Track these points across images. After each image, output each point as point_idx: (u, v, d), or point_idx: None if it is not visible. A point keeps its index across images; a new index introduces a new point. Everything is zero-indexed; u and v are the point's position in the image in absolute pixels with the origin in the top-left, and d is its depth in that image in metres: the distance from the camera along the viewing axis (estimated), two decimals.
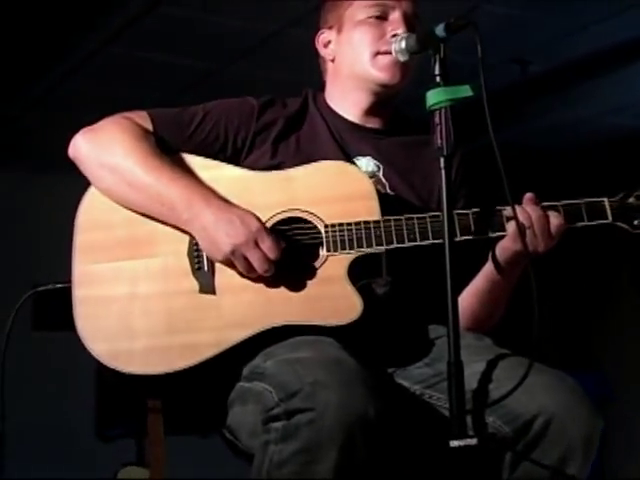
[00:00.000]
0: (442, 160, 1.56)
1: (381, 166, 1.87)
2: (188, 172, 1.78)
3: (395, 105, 1.94)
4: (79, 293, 1.74)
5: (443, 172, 1.56)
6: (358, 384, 1.50)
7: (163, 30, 4.22)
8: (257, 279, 1.70)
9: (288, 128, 1.87)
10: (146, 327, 1.70)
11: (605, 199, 1.71)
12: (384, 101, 1.91)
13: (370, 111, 1.91)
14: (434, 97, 1.55)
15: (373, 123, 1.92)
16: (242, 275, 1.71)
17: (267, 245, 1.67)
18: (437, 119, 1.55)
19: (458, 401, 1.47)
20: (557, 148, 5.74)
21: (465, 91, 1.54)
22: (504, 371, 1.63)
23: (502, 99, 4.55)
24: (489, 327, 1.83)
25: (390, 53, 1.81)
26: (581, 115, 5.15)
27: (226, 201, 1.73)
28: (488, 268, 1.79)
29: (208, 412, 1.80)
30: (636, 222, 1.69)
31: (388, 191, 1.85)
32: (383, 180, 1.86)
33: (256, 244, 1.67)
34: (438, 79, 1.57)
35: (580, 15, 3.95)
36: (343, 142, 1.88)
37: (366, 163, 1.86)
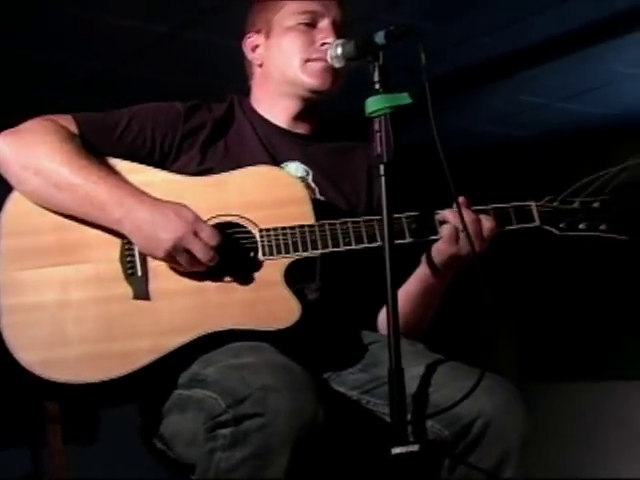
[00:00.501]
0: (382, 167, 1.57)
1: (310, 171, 1.88)
2: (117, 173, 1.75)
3: (323, 111, 1.95)
4: (5, 302, 1.69)
5: (383, 179, 1.57)
6: (307, 388, 1.51)
7: (53, 29, 4.13)
8: (196, 279, 1.68)
9: (215, 133, 1.86)
10: (80, 334, 1.66)
11: (532, 203, 1.76)
12: (313, 107, 1.92)
13: (299, 117, 1.92)
14: (374, 104, 1.57)
15: (301, 129, 1.93)
16: (180, 274, 1.69)
17: (206, 233, 1.66)
18: (377, 126, 1.57)
19: (399, 407, 1.49)
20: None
21: (404, 99, 1.57)
22: (442, 375, 1.67)
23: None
24: (419, 332, 1.86)
25: (320, 60, 1.83)
26: (460, 124, 5.36)
27: (157, 198, 1.70)
28: (421, 271, 1.81)
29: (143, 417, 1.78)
30: (562, 225, 1.73)
31: (318, 196, 1.86)
32: (312, 185, 1.86)
33: (195, 234, 1.65)
34: (377, 86, 1.58)
35: (470, 26, 4.11)
36: (271, 147, 1.88)
37: (295, 168, 1.87)
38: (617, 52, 4.67)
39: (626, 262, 5.57)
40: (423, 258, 1.80)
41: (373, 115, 1.58)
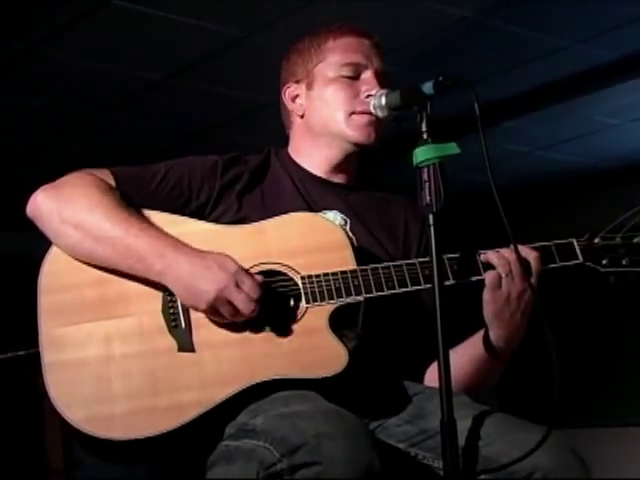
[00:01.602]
0: (431, 217, 1.57)
1: (348, 220, 1.88)
2: (156, 226, 1.75)
3: (361, 160, 1.97)
4: (48, 359, 1.67)
5: (432, 229, 1.57)
6: (362, 435, 1.50)
7: (38, 75, 4.16)
8: (239, 329, 1.68)
9: (252, 182, 1.87)
10: (126, 389, 1.65)
11: (574, 240, 1.76)
12: (353, 158, 1.93)
13: (338, 167, 1.93)
14: (422, 154, 1.59)
15: (340, 178, 1.94)
16: (223, 325, 1.69)
17: (248, 285, 1.65)
18: (426, 176, 1.58)
19: (453, 462, 1.47)
20: None
21: (452, 149, 1.59)
22: (491, 427, 1.65)
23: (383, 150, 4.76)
24: (482, 389, 1.84)
25: (366, 113, 1.85)
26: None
27: (198, 249, 1.70)
28: (480, 332, 1.78)
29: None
30: (604, 262, 1.73)
31: (357, 245, 1.85)
32: (350, 234, 1.84)
33: (237, 286, 1.65)
34: (425, 136, 1.60)
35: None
36: (308, 196, 1.90)
37: (333, 217, 1.87)
38: (599, 103, 4.82)
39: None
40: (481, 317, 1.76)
41: (422, 165, 1.60)
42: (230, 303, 1.65)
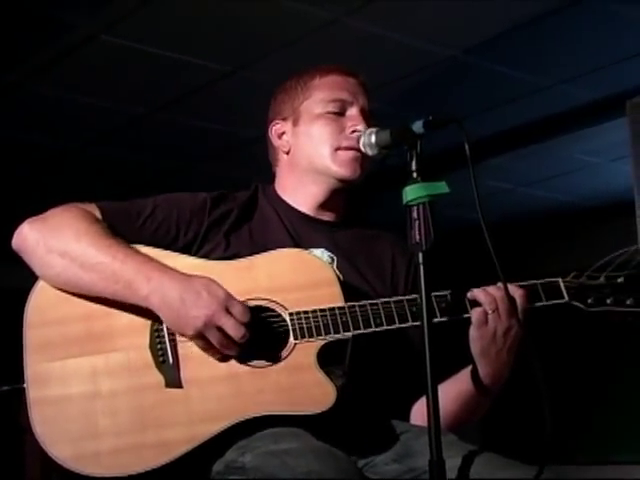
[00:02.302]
0: (420, 255, 1.58)
1: (335, 258, 1.88)
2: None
3: (349, 197, 1.98)
4: (34, 395, 1.67)
5: (421, 267, 1.57)
6: (352, 473, 1.51)
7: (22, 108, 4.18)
8: (227, 365, 1.68)
9: (240, 219, 1.88)
10: (112, 426, 1.64)
11: (559, 279, 1.76)
12: (339, 194, 1.94)
13: (325, 204, 1.94)
14: (413, 193, 1.60)
15: (327, 215, 1.95)
16: (211, 361, 1.68)
17: (238, 310, 1.66)
18: (415, 214, 1.59)
19: None
20: None
21: (442, 188, 1.60)
22: (480, 467, 1.64)
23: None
24: (467, 425, 1.84)
25: (351, 149, 1.87)
26: None
27: (185, 273, 1.70)
28: (467, 369, 1.78)
29: None
30: (590, 301, 1.74)
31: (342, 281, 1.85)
32: (337, 272, 1.84)
33: (227, 311, 1.65)
34: (415, 175, 1.61)
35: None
36: (296, 234, 1.90)
37: (320, 254, 1.86)
38: (580, 142, 4.90)
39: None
40: (469, 354, 1.77)
41: (411, 203, 1.61)
42: (219, 329, 1.65)
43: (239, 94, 4.15)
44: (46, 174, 5.03)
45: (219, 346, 1.67)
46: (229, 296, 1.67)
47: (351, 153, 1.88)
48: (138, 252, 1.73)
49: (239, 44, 3.76)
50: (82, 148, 4.74)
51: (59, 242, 1.72)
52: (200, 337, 1.67)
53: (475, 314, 1.73)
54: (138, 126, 4.50)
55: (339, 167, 1.89)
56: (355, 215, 2.00)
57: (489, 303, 1.72)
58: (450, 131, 1.63)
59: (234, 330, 1.65)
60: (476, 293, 1.75)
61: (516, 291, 1.75)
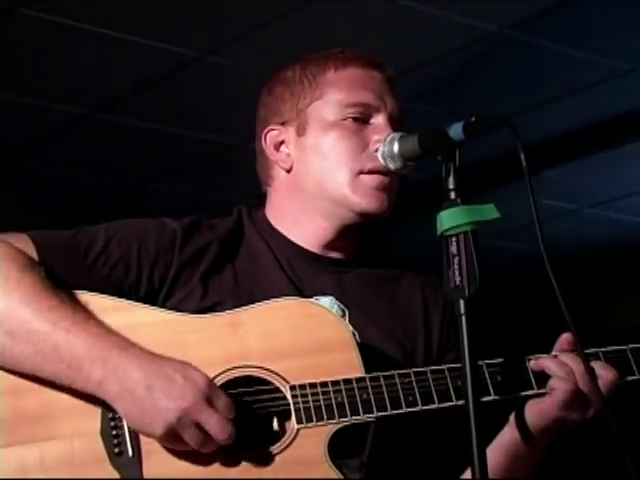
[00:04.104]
0: (462, 304, 1.56)
1: (347, 310, 1.85)
2: (95, 316, 1.71)
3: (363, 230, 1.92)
4: None
5: (464, 319, 1.56)
6: None
7: None
8: (207, 459, 1.66)
9: (221, 257, 1.85)
10: None
11: None
12: (355, 229, 1.90)
13: (335, 241, 1.90)
14: (451, 219, 1.57)
15: (335, 253, 1.91)
16: (184, 453, 1.66)
17: (223, 402, 1.63)
18: (454, 248, 1.57)
19: None
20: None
21: (491, 212, 1.57)
22: None
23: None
24: None
25: (377, 173, 1.82)
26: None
27: (153, 353, 1.68)
28: (509, 438, 1.78)
29: None
30: None
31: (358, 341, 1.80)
32: (351, 328, 1.80)
33: (209, 403, 1.63)
34: (453, 195, 1.59)
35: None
36: (295, 276, 1.87)
37: (329, 305, 1.84)
38: None
39: None
40: (511, 420, 1.77)
41: (449, 233, 1.58)
42: (198, 426, 1.62)
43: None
44: None
45: (196, 447, 1.64)
46: (211, 383, 1.65)
47: (377, 179, 1.84)
48: (89, 317, 1.70)
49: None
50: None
51: None
52: (172, 437, 1.64)
53: (563, 392, 1.71)
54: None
55: (361, 198, 1.85)
56: (368, 249, 1.95)
57: (566, 374, 1.72)
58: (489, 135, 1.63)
59: (217, 429, 1.62)
60: (545, 363, 1.74)
61: (604, 368, 1.74)
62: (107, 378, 1.65)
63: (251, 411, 1.71)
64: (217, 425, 1.62)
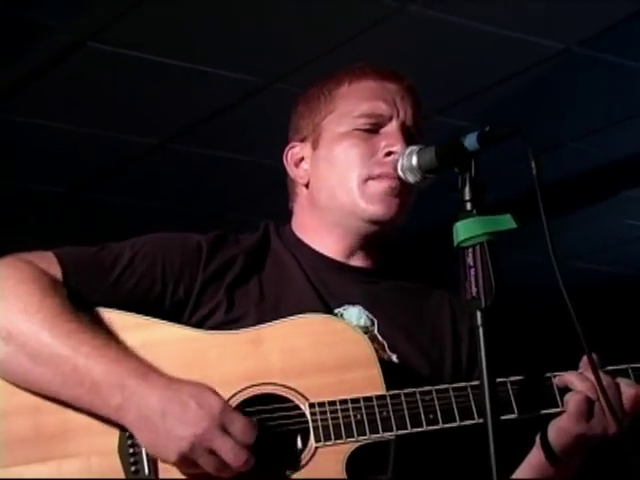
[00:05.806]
0: (479, 315, 1.55)
1: (376, 320, 1.86)
2: (115, 337, 1.73)
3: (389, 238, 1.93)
4: None
5: (481, 330, 1.55)
6: None
7: None
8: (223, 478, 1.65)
9: (247, 269, 1.85)
10: None
11: None
12: (376, 239, 1.90)
13: (358, 250, 1.91)
14: (467, 230, 1.57)
15: (361, 262, 1.91)
16: (201, 474, 1.65)
17: (239, 427, 1.63)
18: (471, 259, 1.57)
19: None
20: None
21: (507, 222, 1.56)
22: None
23: None
24: None
25: (386, 177, 1.82)
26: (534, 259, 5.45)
27: (170, 377, 1.69)
28: (536, 459, 1.76)
29: None
30: None
31: (388, 353, 1.82)
32: (380, 338, 1.84)
33: (224, 430, 1.62)
34: (469, 206, 1.59)
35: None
36: (323, 286, 1.87)
37: (357, 315, 1.85)
38: None
39: None
40: (537, 440, 1.75)
41: (465, 244, 1.58)
42: (213, 453, 1.62)
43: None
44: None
45: (212, 472, 1.64)
46: (226, 408, 1.65)
47: (385, 183, 1.84)
48: (110, 341, 1.71)
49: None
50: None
51: (2, 319, 1.71)
52: (185, 463, 1.64)
53: (575, 402, 1.70)
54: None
55: (369, 204, 1.85)
56: (393, 262, 1.95)
57: (589, 390, 1.69)
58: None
59: (231, 456, 1.62)
60: (569, 378, 1.72)
61: (625, 382, 1.72)
62: (125, 404, 1.66)
63: (269, 429, 1.70)
64: (231, 452, 1.63)
